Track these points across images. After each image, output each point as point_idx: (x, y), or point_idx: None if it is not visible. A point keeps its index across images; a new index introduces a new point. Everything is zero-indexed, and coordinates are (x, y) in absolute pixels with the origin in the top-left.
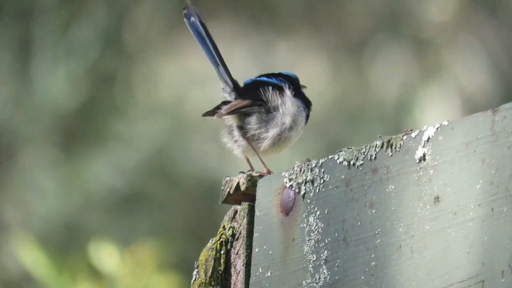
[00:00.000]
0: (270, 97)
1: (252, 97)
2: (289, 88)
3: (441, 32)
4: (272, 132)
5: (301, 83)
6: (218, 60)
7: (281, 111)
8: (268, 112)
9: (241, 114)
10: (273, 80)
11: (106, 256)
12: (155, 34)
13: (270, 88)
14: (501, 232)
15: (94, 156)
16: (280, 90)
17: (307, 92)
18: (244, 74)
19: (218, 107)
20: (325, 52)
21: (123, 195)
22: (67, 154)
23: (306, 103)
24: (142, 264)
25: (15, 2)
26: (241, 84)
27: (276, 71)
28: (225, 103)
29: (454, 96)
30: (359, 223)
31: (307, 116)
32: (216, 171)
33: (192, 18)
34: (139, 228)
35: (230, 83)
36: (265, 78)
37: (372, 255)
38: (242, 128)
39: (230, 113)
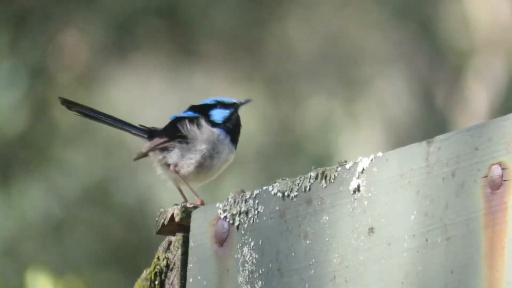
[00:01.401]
0: (187, 130)
1: (170, 133)
2: (208, 119)
3: (366, 59)
4: (191, 159)
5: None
6: (121, 124)
7: (198, 139)
8: (187, 143)
9: (162, 151)
10: (188, 114)
11: (42, 285)
12: (86, 60)
13: (187, 121)
14: (435, 263)
15: (31, 183)
16: (198, 122)
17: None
18: (162, 105)
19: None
20: (243, 82)
21: (59, 223)
22: (4, 180)
23: (230, 130)
24: None
25: None
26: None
27: (212, 99)
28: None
29: (379, 124)
30: (293, 254)
31: (235, 141)
32: (153, 200)
33: (74, 107)
34: (74, 256)
35: (144, 134)
36: (186, 113)
37: (306, 286)
38: (166, 164)
39: (149, 151)
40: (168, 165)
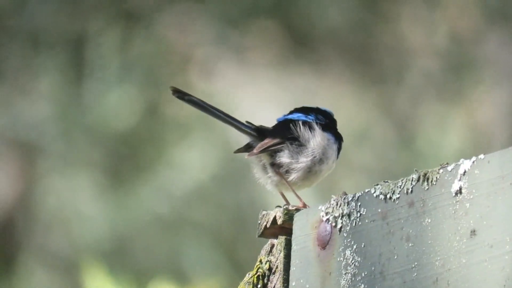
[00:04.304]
0: (300, 132)
1: (282, 134)
2: (318, 123)
3: (481, 60)
4: (302, 163)
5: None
6: (230, 119)
7: (311, 144)
8: (299, 146)
9: (273, 152)
10: (303, 117)
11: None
12: (197, 59)
13: (300, 123)
14: None
15: (140, 182)
16: (310, 125)
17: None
18: (272, 105)
19: (248, 146)
20: (354, 83)
21: (168, 223)
22: (115, 179)
23: (337, 138)
24: None
25: (67, 23)
26: (275, 122)
27: (313, 106)
28: (252, 142)
29: (478, 128)
30: (395, 257)
31: (339, 150)
32: (266, 201)
33: (186, 97)
34: (182, 258)
35: (252, 132)
36: (296, 115)
37: None
38: (274, 164)
39: (261, 151)
40: (276, 166)
